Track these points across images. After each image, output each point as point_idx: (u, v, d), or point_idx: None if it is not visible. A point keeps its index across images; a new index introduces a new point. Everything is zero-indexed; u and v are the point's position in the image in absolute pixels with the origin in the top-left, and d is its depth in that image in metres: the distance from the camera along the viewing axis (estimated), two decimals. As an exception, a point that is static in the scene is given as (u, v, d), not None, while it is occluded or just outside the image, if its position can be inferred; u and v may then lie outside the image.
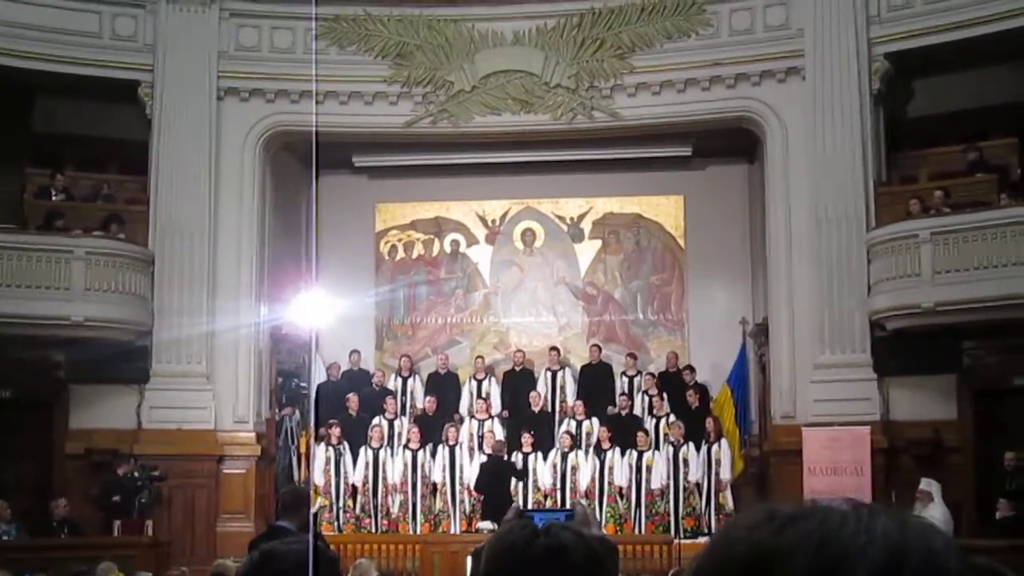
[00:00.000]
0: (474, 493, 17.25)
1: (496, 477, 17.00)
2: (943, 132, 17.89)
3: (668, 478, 17.12)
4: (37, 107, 18.71)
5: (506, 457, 17.39)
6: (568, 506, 16.28)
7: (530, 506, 16.95)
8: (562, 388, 18.84)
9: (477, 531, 16.36)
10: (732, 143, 19.35)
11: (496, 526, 16.21)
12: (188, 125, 17.89)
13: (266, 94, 18.38)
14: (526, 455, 17.39)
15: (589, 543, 2.27)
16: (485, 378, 18.90)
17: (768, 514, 1.44)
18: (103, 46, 17.77)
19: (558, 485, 17.30)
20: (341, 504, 17.52)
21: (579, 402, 18.22)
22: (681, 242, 20.20)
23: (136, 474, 16.00)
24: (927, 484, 14.72)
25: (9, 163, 18.12)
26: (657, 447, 17.52)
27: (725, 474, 17.17)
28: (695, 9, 18.11)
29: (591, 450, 17.52)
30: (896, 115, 17.90)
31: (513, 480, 17.19)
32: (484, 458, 17.36)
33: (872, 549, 1.38)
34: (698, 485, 17.15)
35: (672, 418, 17.74)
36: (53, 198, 17.83)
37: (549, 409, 18.58)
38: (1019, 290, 14.94)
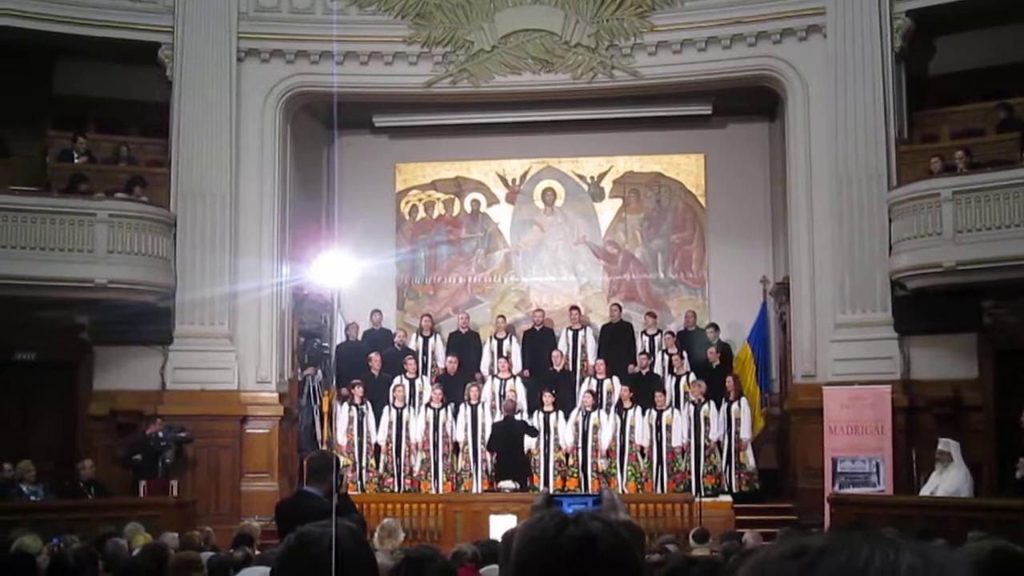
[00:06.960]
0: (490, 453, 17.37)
1: (510, 436, 17.10)
2: (965, 90, 17.75)
3: (689, 437, 17.19)
4: (58, 70, 18.74)
5: (520, 416, 17.47)
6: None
7: (551, 465, 17.08)
8: (583, 347, 18.88)
9: (498, 490, 16.48)
10: (753, 102, 19.29)
11: (516, 485, 16.39)
12: (208, 87, 17.88)
13: (286, 55, 18.33)
14: (547, 414, 17.47)
15: (617, 531, 2.33)
16: (506, 337, 18.94)
17: (799, 548, 1.49)
18: (124, 8, 17.74)
19: (579, 444, 17.39)
20: (364, 463, 17.65)
21: (600, 361, 18.26)
22: (702, 201, 20.17)
23: (161, 434, 16.12)
24: (945, 444, 14.69)
25: (31, 125, 18.19)
26: (677, 406, 17.59)
27: (745, 433, 17.24)
28: (716, -34, 18.01)
29: (612, 409, 17.60)
30: (918, 73, 17.79)
31: (527, 438, 17.29)
32: (499, 418, 17.45)
33: None
34: (719, 444, 17.23)
35: (693, 377, 17.79)
36: (75, 160, 17.89)
37: (570, 368, 18.64)
38: (1041, 249, 14.90)
